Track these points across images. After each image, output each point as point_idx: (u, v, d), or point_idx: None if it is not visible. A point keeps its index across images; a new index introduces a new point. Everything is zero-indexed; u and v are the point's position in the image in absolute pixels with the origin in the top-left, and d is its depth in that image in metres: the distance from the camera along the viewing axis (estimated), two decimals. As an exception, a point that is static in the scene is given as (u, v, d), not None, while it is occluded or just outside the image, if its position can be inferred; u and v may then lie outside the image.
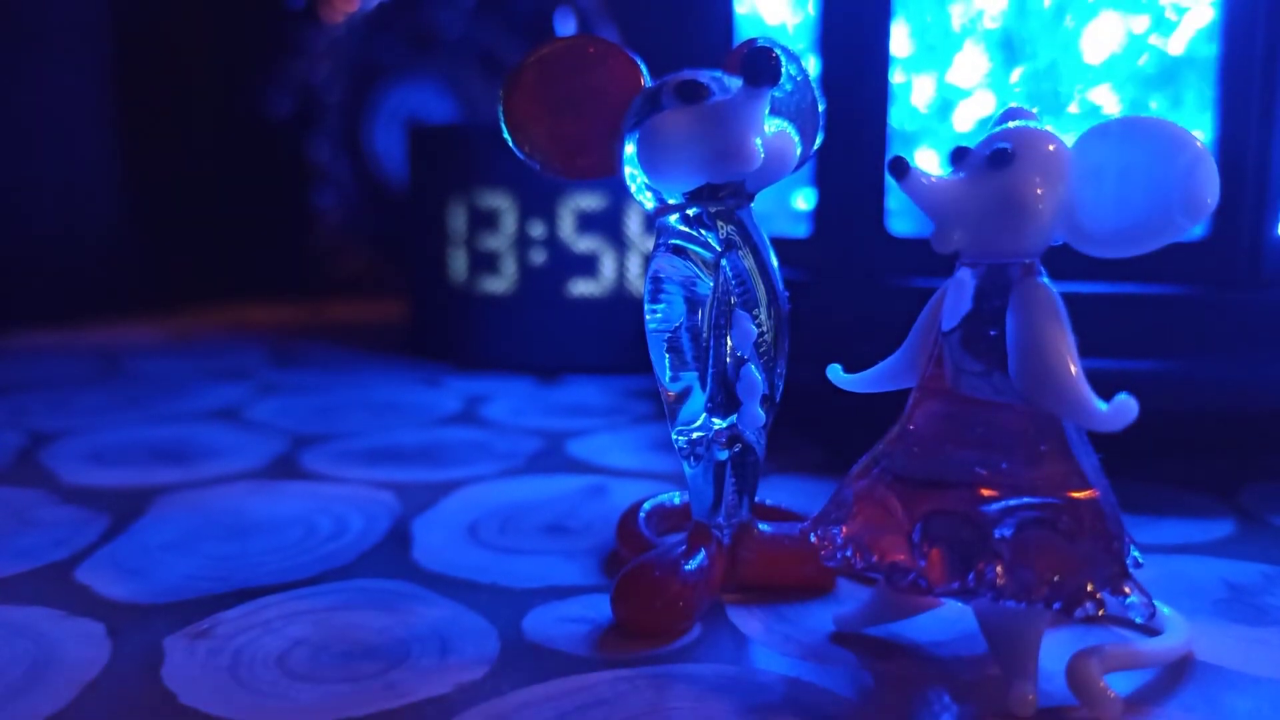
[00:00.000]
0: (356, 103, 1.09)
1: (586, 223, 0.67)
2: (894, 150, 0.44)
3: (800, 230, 0.49)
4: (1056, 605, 0.22)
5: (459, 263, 0.71)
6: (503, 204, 0.68)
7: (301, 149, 1.13)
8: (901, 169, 0.23)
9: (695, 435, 0.28)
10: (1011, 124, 0.24)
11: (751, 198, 0.28)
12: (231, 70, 1.12)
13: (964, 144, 0.24)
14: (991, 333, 0.23)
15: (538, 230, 0.67)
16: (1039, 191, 0.23)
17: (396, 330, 0.86)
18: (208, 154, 1.11)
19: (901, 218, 0.45)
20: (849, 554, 0.25)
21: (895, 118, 0.45)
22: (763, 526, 0.30)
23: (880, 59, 0.44)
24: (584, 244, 0.67)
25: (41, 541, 0.35)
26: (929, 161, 0.46)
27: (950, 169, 0.24)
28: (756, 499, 0.30)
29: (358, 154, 1.11)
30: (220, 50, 1.11)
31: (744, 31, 0.52)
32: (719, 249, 0.27)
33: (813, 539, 0.26)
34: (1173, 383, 0.39)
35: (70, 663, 0.25)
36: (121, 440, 0.49)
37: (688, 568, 0.28)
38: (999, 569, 0.22)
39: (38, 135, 0.92)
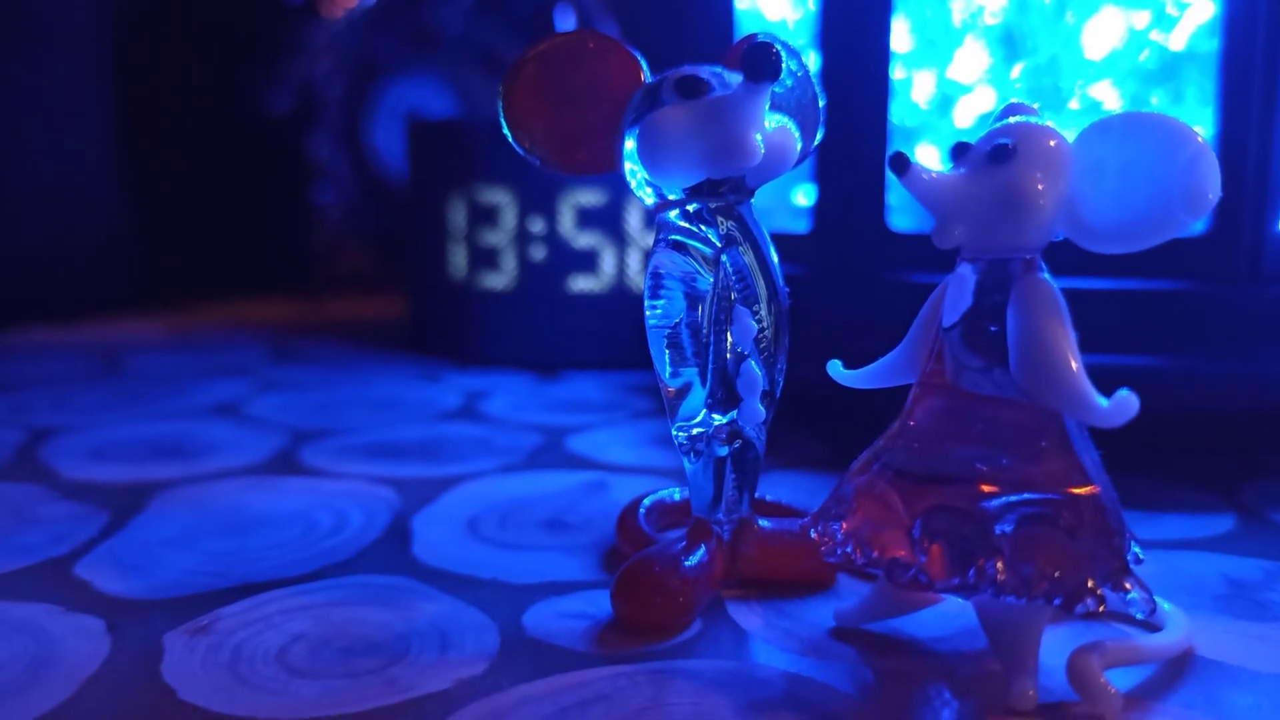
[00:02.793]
0: (356, 99, 1.09)
1: (586, 218, 0.67)
2: (894, 146, 0.44)
3: (801, 226, 0.49)
4: (1057, 601, 0.22)
5: (459, 258, 0.71)
6: (503, 200, 0.68)
7: (301, 145, 1.13)
8: (902, 164, 0.23)
9: (695, 431, 0.28)
10: (1012, 119, 0.24)
11: (752, 193, 0.28)
12: (231, 67, 1.12)
13: (965, 139, 0.24)
14: (992, 328, 0.23)
15: (537, 226, 0.67)
16: (1040, 187, 0.23)
17: (396, 326, 0.86)
18: (207, 150, 1.11)
19: (902, 213, 0.45)
20: (849, 549, 0.25)
21: (896, 113, 0.45)
22: (763, 522, 0.30)
23: (880, 54, 0.44)
24: (584, 240, 0.67)
25: (41, 537, 0.35)
26: (930, 157, 0.46)
27: (951, 164, 0.24)
28: (757, 494, 0.30)
29: (357, 150, 1.11)
30: (219, 46, 1.11)
31: (744, 27, 0.52)
32: (719, 245, 0.27)
33: (813, 535, 0.26)
34: (1173, 378, 0.39)
35: (70, 658, 0.25)
36: (121, 436, 0.49)
37: (688, 563, 0.28)
38: (999, 564, 0.22)
39: (36, 132, 0.92)
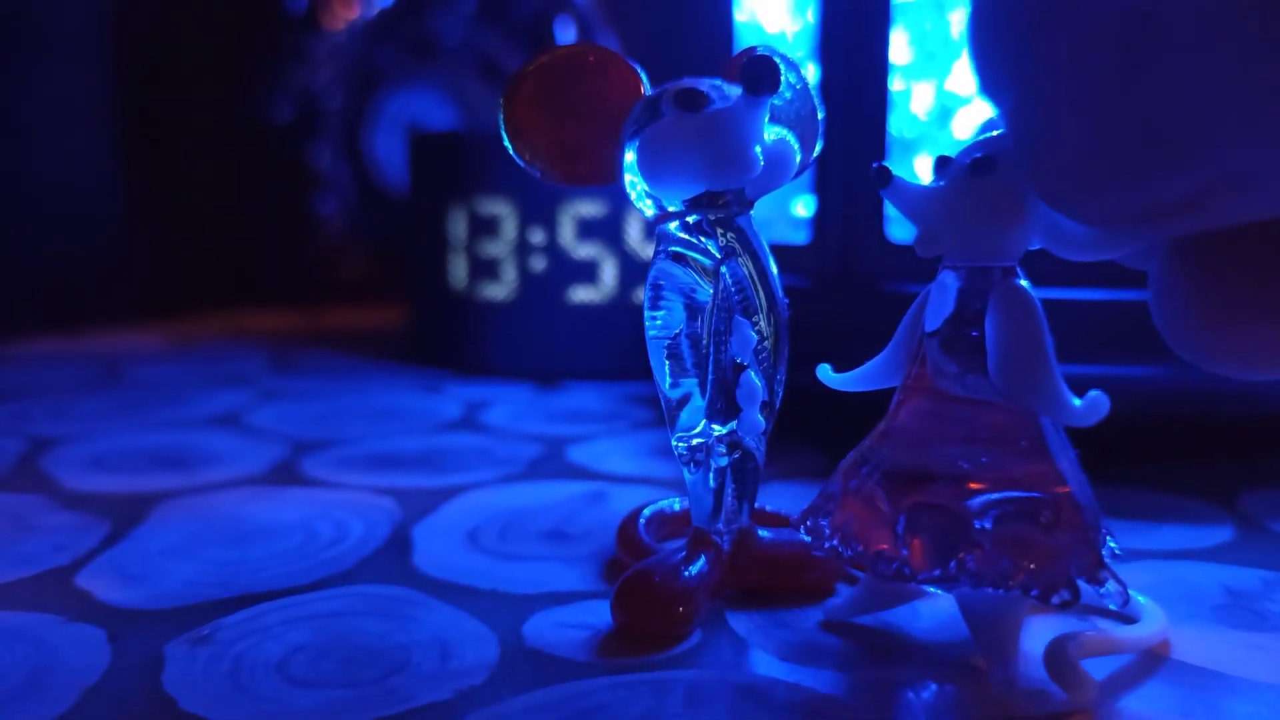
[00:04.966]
0: (357, 109, 1.09)
1: (586, 229, 0.67)
2: (893, 157, 0.45)
3: (800, 237, 0.49)
4: (1034, 592, 0.22)
5: (459, 269, 0.71)
6: (503, 211, 0.68)
7: (302, 155, 1.14)
8: (884, 177, 0.24)
9: (695, 441, 0.28)
10: (993, 134, 0.24)
11: (751, 205, 0.28)
12: (232, 76, 1.12)
13: (946, 153, 0.25)
14: (973, 333, 0.24)
15: (538, 237, 0.68)
16: (1018, 197, 0.23)
17: (397, 336, 0.86)
18: (208, 160, 1.11)
19: (900, 224, 0.45)
20: (835, 544, 0.26)
21: (894, 125, 0.45)
22: (762, 532, 0.30)
23: (879, 66, 0.44)
24: (584, 251, 0.67)
25: (42, 547, 0.35)
26: (928, 169, 0.46)
27: (934, 176, 0.25)
28: (756, 505, 0.30)
29: (358, 160, 1.11)
30: (221, 56, 1.12)
31: (743, 39, 0.52)
32: (719, 256, 0.27)
33: (802, 531, 0.27)
34: (1172, 388, 0.39)
35: (70, 668, 0.25)
36: (122, 446, 0.49)
37: (687, 573, 0.28)
38: (978, 557, 0.23)
39: (39, 141, 0.92)
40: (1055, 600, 0.22)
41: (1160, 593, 0.30)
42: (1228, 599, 0.30)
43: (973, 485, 0.24)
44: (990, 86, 0.18)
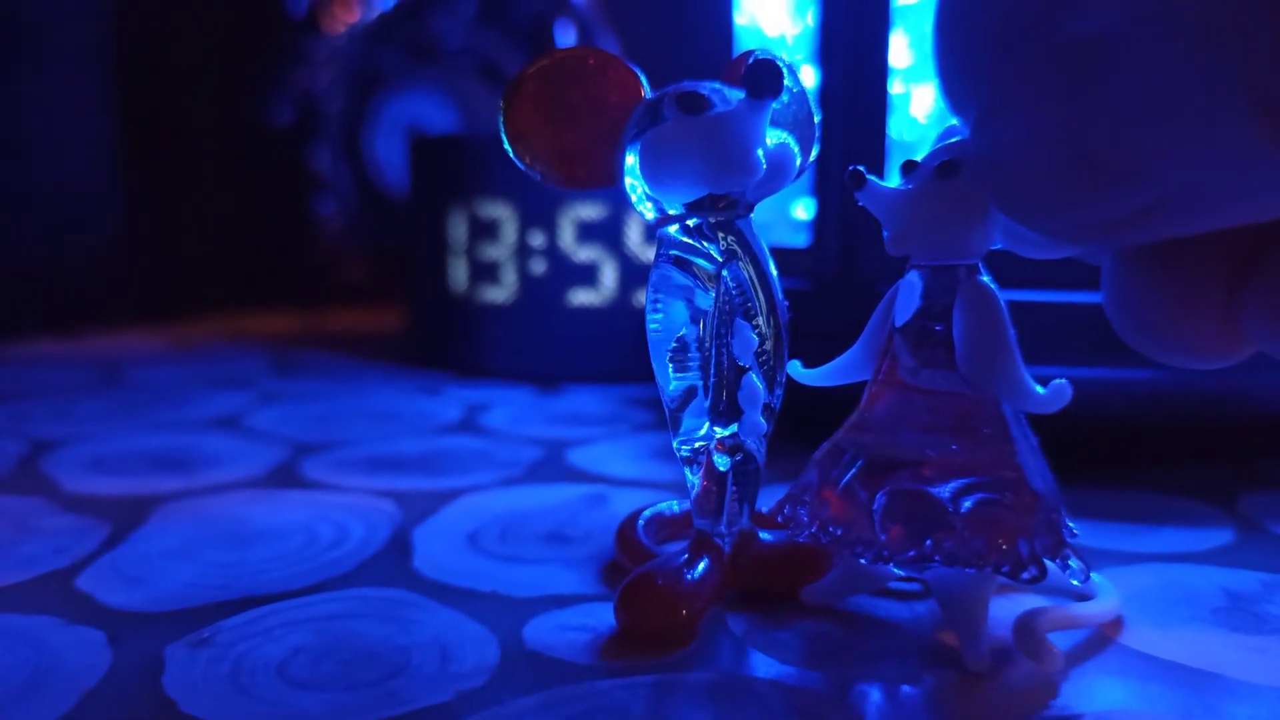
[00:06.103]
0: (357, 112, 1.10)
1: (587, 232, 0.67)
2: (893, 160, 0.45)
3: (800, 240, 0.49)
4: (1005, 569, 0.24)
5: (459, 272, 0.71)
6: (503, 214, 0.68)
7: (302, 157, 1.14)
8: (858, 180, 0.25)
9: (697, 444, 0.28)
10: (954, 139, 0.25)
11: (751, 208, 0.28)
12: (232, 78, 1.12)
13: (913, 158, 0.26)
14: (938, 328, 0.25)
15: (538, 240, 0.68)
16: (981, 199, 0.24)
17: (397, 339, 0.86)
18: (208, 162, 1.11)
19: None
20: (814, 531, 0.27)
21: (894, 128, 0.45)
22: (763, 535, 0.30)
23: (879, 69, 0.44)
24: (584, 254, 0.67)
25: (42, 549, 0.35)
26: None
27: (901, 180, 0.26)
28: (758, 507, 0.30)
29: (358, 163, 1.11)
30: (221, 58, 1.12)
31: (743, 42, 0.52)
32: (720, 259, 0.27)
33: (780, 519, 0.28)
34: (1171, 391, 0.39)
35: (71, 670, 0.25)
36: (122, 448, 0.49)
37: (690, 576, 0.28)
38: (953, 538, 0.24)
39: (39, 143, 0.93)
40: (1025, 576, 0.23)
41: (1160, 595, 0.30)
42: (1227, 601, 0.30)
43: (941, 471, 0.25)
44: (953, 105, 0.18)
